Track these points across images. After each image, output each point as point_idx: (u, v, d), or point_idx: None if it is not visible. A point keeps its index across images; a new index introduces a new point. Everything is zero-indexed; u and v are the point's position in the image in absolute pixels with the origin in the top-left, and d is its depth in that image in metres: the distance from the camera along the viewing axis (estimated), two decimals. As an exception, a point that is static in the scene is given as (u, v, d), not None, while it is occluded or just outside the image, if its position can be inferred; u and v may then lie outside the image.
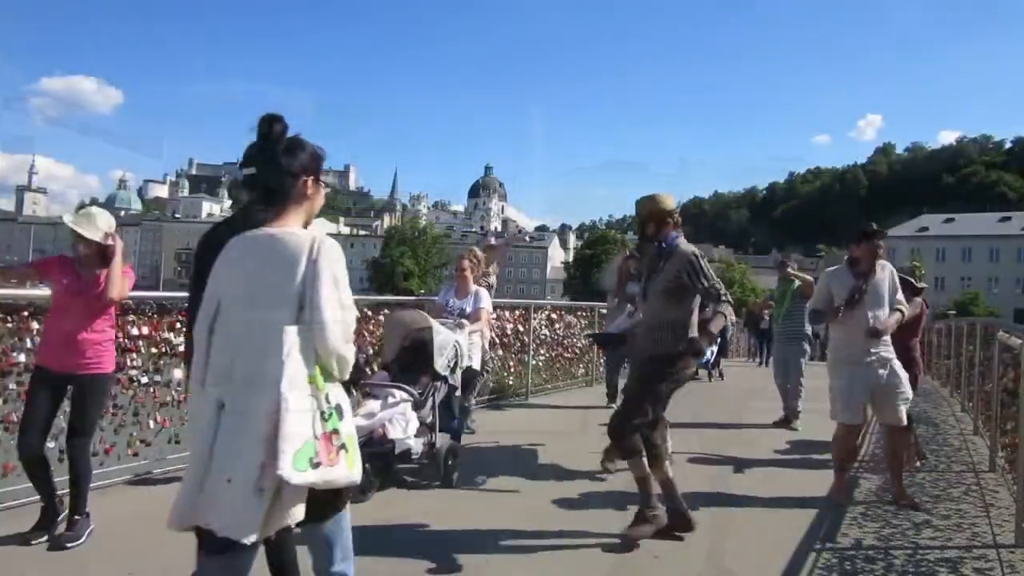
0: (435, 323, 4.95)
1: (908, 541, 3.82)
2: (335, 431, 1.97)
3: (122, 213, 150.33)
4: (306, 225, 2.17)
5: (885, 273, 4.57)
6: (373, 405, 4.54)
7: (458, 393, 5.08)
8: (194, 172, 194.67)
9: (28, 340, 4.05)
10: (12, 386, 3.92)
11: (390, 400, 4.58)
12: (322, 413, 1.96)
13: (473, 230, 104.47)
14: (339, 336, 1.99)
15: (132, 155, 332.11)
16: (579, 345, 10.25)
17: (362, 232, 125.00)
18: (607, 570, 3.42)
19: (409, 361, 4.88)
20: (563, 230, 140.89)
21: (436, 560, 3.40)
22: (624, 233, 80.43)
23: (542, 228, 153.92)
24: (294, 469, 1.84)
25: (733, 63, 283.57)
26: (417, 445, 4.49)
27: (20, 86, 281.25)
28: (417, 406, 4.57)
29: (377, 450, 4.27)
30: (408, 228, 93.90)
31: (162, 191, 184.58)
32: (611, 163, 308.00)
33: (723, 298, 3.76)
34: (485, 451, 5.82)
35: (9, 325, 4.02)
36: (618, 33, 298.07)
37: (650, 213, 3.91)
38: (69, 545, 3.41)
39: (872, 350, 4.44)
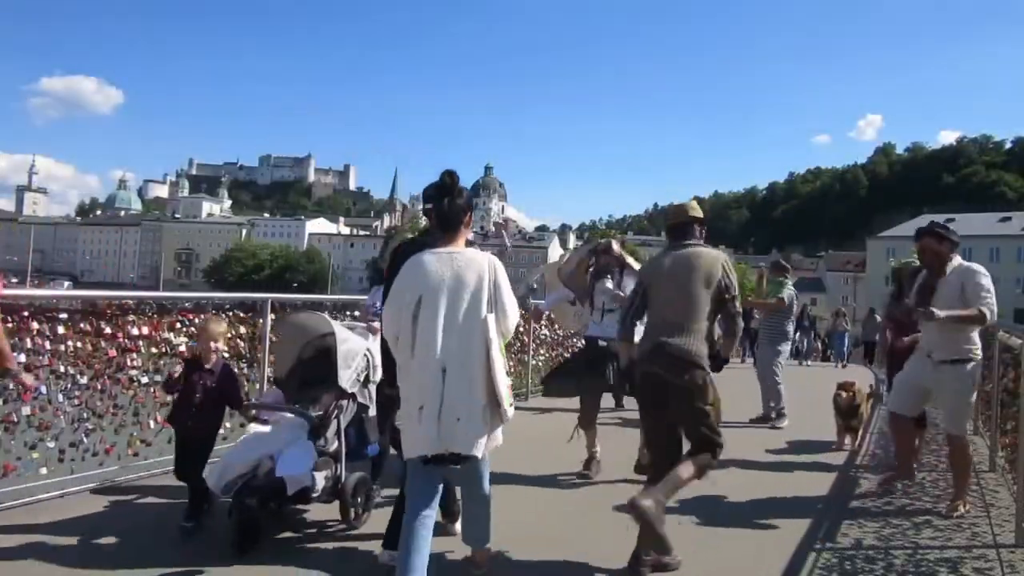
0: (339, 327, 4.10)
1: (908, 541, 3.82)
2: (510, 384, 3.00)
3: (122, 213, 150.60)
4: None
5: (954, 275, 4.31)
6: (260, 432, 3.86)
7: (371, 413, 4.10)
8: (194, 172, 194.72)
9: (28, 340, 4.06)
10: (12, 386, 3.93)
11: (282, 426, 3.87)
12: (506, 371, 2.96)
13: (473, 230, 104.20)
14: (515, 321, 3.03)
15: (132, 155, 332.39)
16: (579, 345, 10.24)
17: (362, 232, 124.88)
18: (607, 569, 3.42)
19: (310, 376, 4.05)
20: (563, 230, 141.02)
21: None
22: (624, 232, 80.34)
23: (542, 228, 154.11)
24: (508, 408, 2.90)
25: (733, 63, 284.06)
26: (317, 481, 3.60)
27: (20, 86, 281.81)
28: (316, 433, 3.75)
29: (263, 489, 3.50)
30: (408, 228, 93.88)
31: (162, 191, 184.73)
32: (611, 162, 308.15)
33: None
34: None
35: (9, 325, 4.03)
36: (618, 33, 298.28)
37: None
38: None
39: (936, 347, 4.30)
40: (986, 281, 4.26)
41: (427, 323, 2.90)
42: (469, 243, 3.17)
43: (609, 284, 5.09)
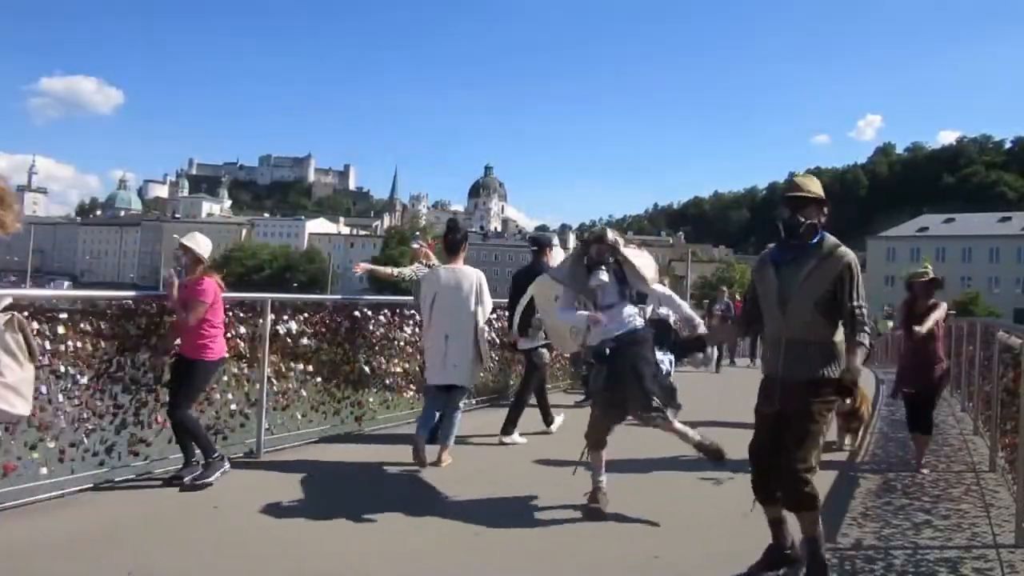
0: None
1: (908, 541, 3.83)
2: (488, 346, 5.63)
3: (122, 213, 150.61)
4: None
5: None
6: None
7: None
8: (194, 172, 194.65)
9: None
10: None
11: None
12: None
13: (473, 230, 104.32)
14: (487, 313, 5.44)
15: (132, 155, 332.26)
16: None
17: (362, 232, 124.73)
18: (607, 570, 3.42)
19: None
20: (563, 230, 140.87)
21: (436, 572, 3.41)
22: (624, 232, 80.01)
23: (542, 228, 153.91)
24: (486, 359, 5.66)
25: (733, 63, 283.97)
26: None
27: (20, 86, 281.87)
28: None
29: None
30: (408, 228, 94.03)
31: (162, 191, 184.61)
32: (611, 162, 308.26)
33: (863, 326, 3.09)
34: (483, 452, 5.81)
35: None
36: (618, 33, 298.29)
37: (812, 192, 3.18)
38: None
39: None
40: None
41: (439, 308, 5.20)
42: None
43: (604, 276, 4.23)
